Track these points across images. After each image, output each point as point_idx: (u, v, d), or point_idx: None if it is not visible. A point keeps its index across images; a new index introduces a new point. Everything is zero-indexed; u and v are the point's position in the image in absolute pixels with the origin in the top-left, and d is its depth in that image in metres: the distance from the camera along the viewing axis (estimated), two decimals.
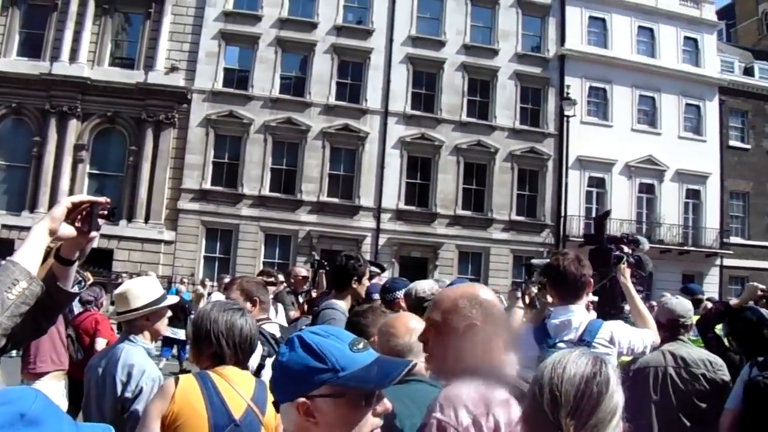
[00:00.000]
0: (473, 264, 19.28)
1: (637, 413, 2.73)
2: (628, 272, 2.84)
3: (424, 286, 3.23)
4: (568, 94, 18.86)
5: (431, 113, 19.72)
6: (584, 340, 2.36)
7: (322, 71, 19.25)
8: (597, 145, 20.73)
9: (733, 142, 23.33)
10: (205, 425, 1.79)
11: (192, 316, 5.17)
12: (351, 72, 19.45)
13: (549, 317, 2.56)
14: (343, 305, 3.12)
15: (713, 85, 23.06)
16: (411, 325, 1.86)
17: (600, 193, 21.04)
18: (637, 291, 3.83)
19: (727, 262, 22.38)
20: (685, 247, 21.67)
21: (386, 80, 19.34)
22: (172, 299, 2.77)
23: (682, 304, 3.23)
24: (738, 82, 23.65)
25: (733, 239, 22.78)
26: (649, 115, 22.25)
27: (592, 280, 2.57)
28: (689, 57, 23.11)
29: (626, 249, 2.99)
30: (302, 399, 1.07)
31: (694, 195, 22.51)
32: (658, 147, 21.74)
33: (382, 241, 18.80)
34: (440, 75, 19.95)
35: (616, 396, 1.04)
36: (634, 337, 2.51)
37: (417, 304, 3.01)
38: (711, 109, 23.02)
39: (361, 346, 1.11)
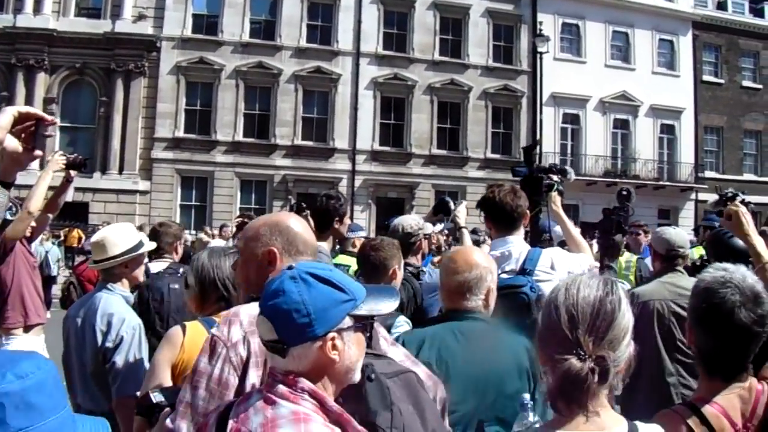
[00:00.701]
0: None
1: (643, 347, 3.16)
2: (558, 200, 3.01)
3: (410, 222, 3.44)
4: (540, 30, 19.93)
5: (403, 53, 20.75)
6: (526, 269, 2.49)
7: (292, 14, 20.11)
8: (571, 82, 21.94)
9: (706, 77, 24.68)
10: None
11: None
12: (321, 14, 20.34)
13: (491, 248, 2.71)
14: (325, 246, 3.18)
15: (686, 19, 24.28)
16: (472, 259, 1.98)
17: (575, 130, 22.38)
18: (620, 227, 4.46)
19: (702, 196, 23.91)
20: (661, 182, 23.14)
21: (357, 21, 20.28)
22: (150, 245, 2.79)
23: (680, 235, 3.30)
24: (711, 17, 24.87)
25: (708, 173, 24.23)
26: (622, 51, 23.48)
27: (528, 212, 2.71)
28: None
29: (555, 178, 3.13)
30: (332, 333, 1.11)
31: (668, 130, 23.94)
32: (632, 83, 23.03)
33: (358, 182, 19.99)
34: (411, 14, 20.91)
35: (628, 315, 1.13)
36: (572, 262, 2.66)
37: (404, 239, 3.19)
38: (684, 44, 24.29)
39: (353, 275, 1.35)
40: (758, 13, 26.16)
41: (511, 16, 21.90)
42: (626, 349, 1.11)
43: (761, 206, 23.77)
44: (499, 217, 2.63)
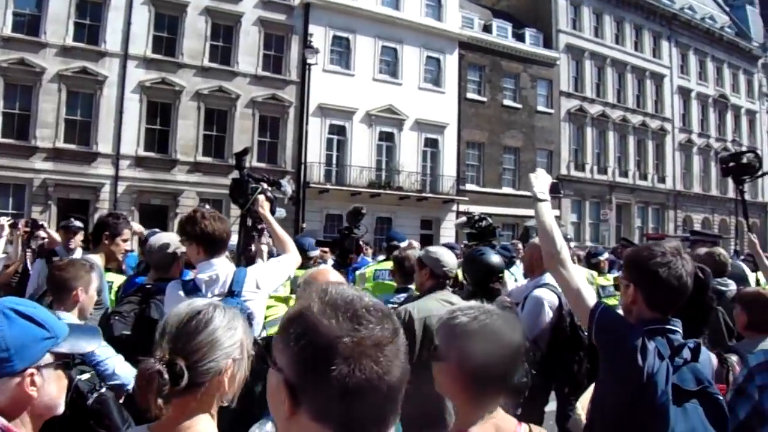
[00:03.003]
0: None
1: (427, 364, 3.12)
2: (266, 204, 4.20)
3: (165, 240, 4.49)
4: (311, 42, 28.22)
5: (173, 57, 27.48)
6: (234, 291, 3.50)
7: (59, 10, 25.46)
8: (339, 94, 30.28)
9: (470, 95, 35.25)
10: None
11: None
12: (90, 12, 26.04)
13: (198, 272, 3.64)
14: (97, 259, 4.26)
15: (453, 39, 34.49)
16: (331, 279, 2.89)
17: (341, 141, 31.24)
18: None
19: (462, 207, 34.49)
20: (424, 194, 33.05)
21: (127, 22, 26.36)
22: None
23: (450, 255, 4.57)
24: (477, 38, 35.56)
25: (469, 186, 34.90)
26: (391, 66, 32.99)
27: (231, 233, 3.77)
28: (432, 11, 34.14)
29: (265, 185, 4.32)
30: (31, 369, 1.48)
31: (432, 144, 33.97)
32: (399, 97, 32.24)
33: (121, 188, 26.14)
34: (183, 18, 27.70)
35: (220, 332, 1.67)
36: (276, 273, 3.89)
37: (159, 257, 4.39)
38: (451, 63, 34.63)
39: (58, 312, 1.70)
40: (520, 37, 37.67)
41: (283, 26, 30.03)
42: (215, 364, 1.65)
43: (519, 218, 35.67)
44: (202, 241, 3.57)
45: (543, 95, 38.60)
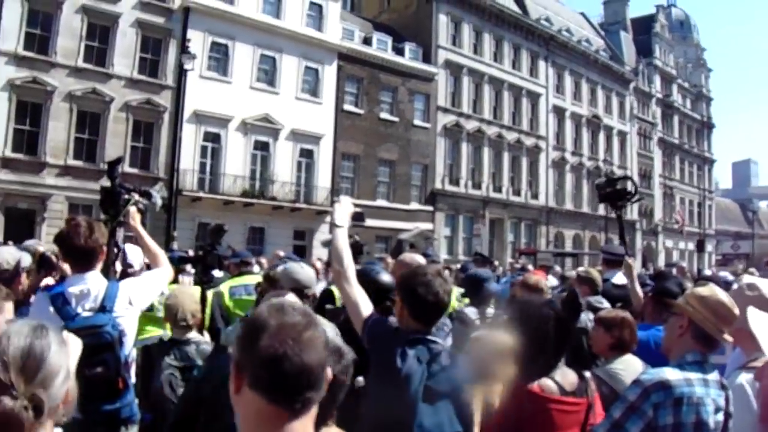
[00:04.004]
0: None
1: None
2: (138, 216, 4.50)
3: (5, 256, 4.82)
4: (188, 47, 30.46)
5: (45, 56, 29.25)
6: (105, 307, 3.71)
7: None
8: (215, 101, 32.90)
9: (347, 107, 38.64)
10: None
11: None
12: None
13: (66, 285, 3.84)
14: None
15: (333, 50, 37.87)
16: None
17: (215, 148, 33.86)
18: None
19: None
20: (297, 204, 36.17)
21: None
22: None
23: (308, 273, 4.95)
24: (356, 51, 39.05)
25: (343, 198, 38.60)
26: (269, 74, 35.91)
27: (104, 247, 3.95)
28: (313, 22, 37.40)
29: (137, 196, 4.61)
30: None
31: (307, 154, 37.12)
32: (276, 106, 35.21)
33: None
34: (58, 16, 29.36)
35: (60, 356, 1.73)
36: (149, 288, 4.16)
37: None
38: (329, 74, 37.99)
39: None
40: (400, 51, 41.48)
41: (161, 29, 32.32)
42: (62, 385, 1.71)
43: (392, 231, 39.40)
44: (74, 254, 3.81)
45: (420, 109, 42.72)
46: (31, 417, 1.61)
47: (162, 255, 4.57)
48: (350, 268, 3.61)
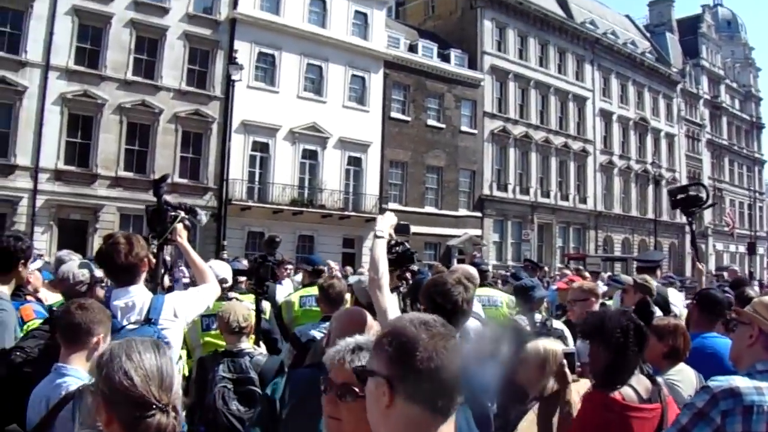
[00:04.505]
0: (135, 227, 29.62)
1: None
2: (184, 233, 4.43)
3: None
4: (235, 58, 30.28)
5: (95, 69, 29.19)
6: (151, 319, 3.71)
7: None
8: (263, 111, 32.62)
9: (394, 114, 38.09)
10: None
11: None
12: (11, 20, 27.52)
13: (112, 298, 3.83)
14: (5, 290, 4.23)
15: (379, 58, 37.36)
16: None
17: (264, 158, 33.56)
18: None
19: None
20: (346, 212, 35.64)
21: (49, 32, 27.94)
22: None
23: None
24: (402, 58, 38.49)
25: (392, 205, 37.37)
26: (315, 84, 35.46)
27: (146, 259, 3.96)
28: (358, 30, 37.01)
29: (183, 214, 4.50)
30: None
31: (355, 162, 36.63)
32: (323, 115, 34.79)
33: (39, 202, 27.56)
34: (107, 30, 29.41)
35: (175, 369, 1.93)
36: (194, 302, 4.15)
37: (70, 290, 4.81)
38: (375, 81, 37.42)
39: None
40: (445, 58, 40.85)
41: (208, 41, 32.15)
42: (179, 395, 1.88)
43: (441, 237, 38.66)
44: (116, 271, 3.86)
45: (467, 115, 41.89)
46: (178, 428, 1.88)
47: (209, 272, 4.54)
48: (384, 276, 3.66)
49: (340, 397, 2.25)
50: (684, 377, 4.24)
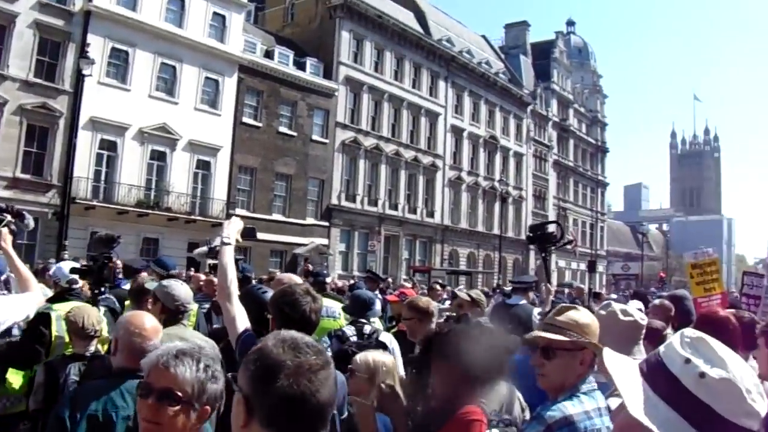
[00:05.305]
0: None
1: None
2: (9, 238, 4.58)
3: None
4: (87, 52, 31.02)
5: None
6: None
7: None
8: (112, 108, 33.77)
9: (246, 119, 40.02)
10: None
11: None
12: None
13: None
14: None
15: (234, 62, 39.22)
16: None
17: (111, 157, 34.65)
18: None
19: None
20: (193, 216, 37.26)
21: None
22: None
23: (187, 291, 5.43)
24: (258, 63, 40.56)
25: (239, 211, 39.15)
26: (168, 84, 36.89)
27: None
28: (215, 32, 38.70)
29: (9, 217, 4.68)
30: None
31: (204, 166, 38.32)
32: (174, 116, 36.28)
33: None
34: None
35: None
36: (8, 309, 4.20)
37: None
38: (229, 85, 39.30)
39: None
40: (301, 66, 43.29)
41: (60, 32, 32.88)
42: None
43: (287, 245, 41.02)
44: None
45: (319, 125, 44.66)
46: None
47: (33, 280, 4.69)
48: (233, 284, 3.88)
49: (160, 400, 2.31)
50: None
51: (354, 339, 6.29)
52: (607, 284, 64.26)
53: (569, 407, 2.96)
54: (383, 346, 5.90)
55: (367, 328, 6.65)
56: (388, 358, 4.33)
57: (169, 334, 4.54)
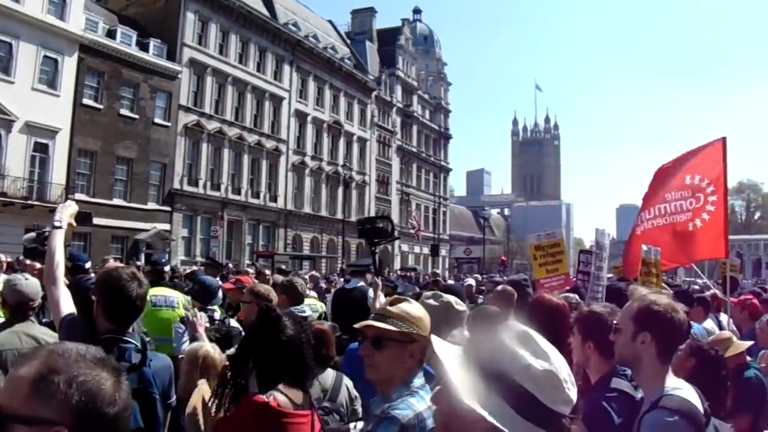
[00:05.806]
0: None
1: None
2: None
3: None
4: None
5: None
6: None
7: None
8: None
9: (86, 101, 40.08)
10: None
11: None
12: None
13: None
14: None
15: (74, 41, 39.18)
16: None
17: None
18: None
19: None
20: (30, 201, 36.99)
21: None
22: None
23: (32, 287, 5.28)
24: (99, 43, 40.63)
25: (79, 196, 39.14)
26: (3, 62, 36.43)
27: None
28: (55, 9, 38.37)
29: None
30: None
31: (42, 149, 38.18)
32: (9, 96, 35.84)
33: None
34: None
35: None
36: None
37: None
38: (69, 65, 39.21)
39: None
40: (144, 47, 43.64)
41: None
42: None
43: (128, 231, 41.54)
44: None
45: (161, 107, 45.35)
46: None
47: None
48: (59, 268, 3.90)
49: None
50: None
51: (207, 325, 6.37)
52: (450, 268, 67.80)
53: (416, 404, 2.95)
54: (238, 332, 6.55)
55: (216, 315, 7.17)
56: (220, 356, 4.80)
57: (15, 332, 4.91)
